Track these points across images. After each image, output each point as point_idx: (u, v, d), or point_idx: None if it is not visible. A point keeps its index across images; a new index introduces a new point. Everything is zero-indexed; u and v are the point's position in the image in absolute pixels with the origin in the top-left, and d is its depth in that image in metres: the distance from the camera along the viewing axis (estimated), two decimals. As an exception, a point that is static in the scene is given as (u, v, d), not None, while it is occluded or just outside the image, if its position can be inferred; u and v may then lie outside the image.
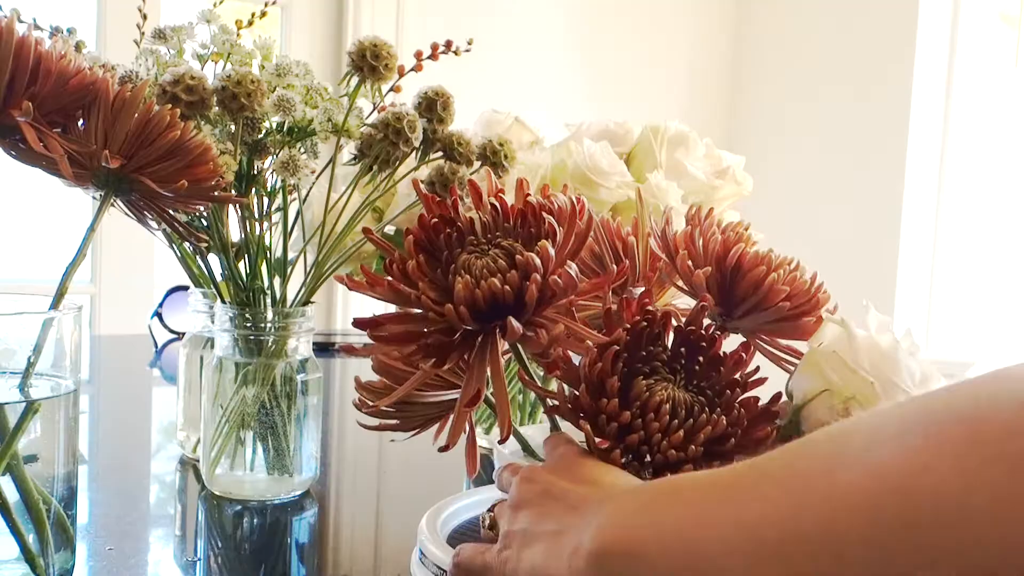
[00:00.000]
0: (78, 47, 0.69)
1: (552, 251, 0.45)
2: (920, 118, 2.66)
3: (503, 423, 0.45)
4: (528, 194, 0.48)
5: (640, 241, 0.57)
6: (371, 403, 0.52)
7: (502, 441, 0.46)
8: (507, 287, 0.44)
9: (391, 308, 0.50)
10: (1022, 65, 2.74)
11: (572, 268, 0.46)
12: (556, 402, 0.47)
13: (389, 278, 0.47)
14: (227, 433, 0.69)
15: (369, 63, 0.68)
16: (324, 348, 1.46)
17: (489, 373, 0.46)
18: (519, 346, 0.48)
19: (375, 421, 0.53)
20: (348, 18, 2.47)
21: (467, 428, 0.53)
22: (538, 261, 0.44)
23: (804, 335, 0.55)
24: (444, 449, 0.47)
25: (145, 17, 0.78)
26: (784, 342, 0.57)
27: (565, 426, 0.50)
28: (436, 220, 0.48)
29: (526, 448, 0.55)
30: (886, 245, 2.68)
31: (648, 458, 0.45)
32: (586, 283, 0.47)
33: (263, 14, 0.76)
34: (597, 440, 0.45)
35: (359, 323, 0.47)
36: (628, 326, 0.47)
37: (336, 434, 0.97)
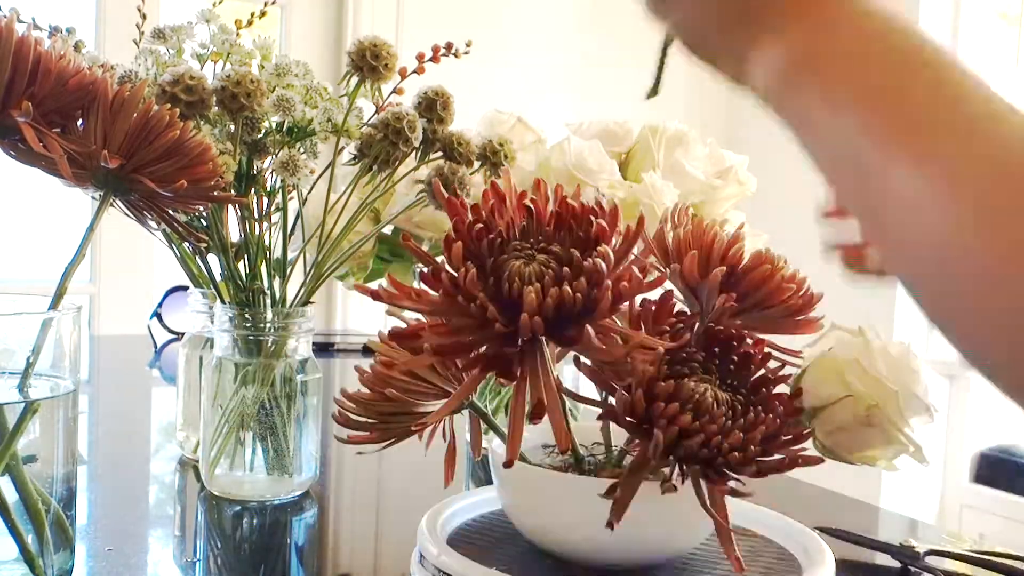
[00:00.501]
0: (77, 47, 0.69)
1: (612, 255, 0.44)
2: (920, 118, 2.66)
3: (560, 437, 0.44)
4: (565, 196, 0.47)
5: None
6: (352, 415, 0.52)
7: (561, 451, 0.45)
8: (578, 295, 0.43)
9: (389, 309, 0.50)
10: (1022, 64, 2.74)
11: (636, 272, 0.45)
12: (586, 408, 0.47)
13: (429, 289, 0.45)
14: (227, 433, 0.68)
15: (369, 63, 0.67)
16: (324, 348, 1.46)
17: (541, 384, 0.44)
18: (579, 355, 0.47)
19: (348, 433, 0.53)
20: (348, 18, 2.47)
21: (451, 436, 0.53)
22: (604, 267, 0.43)
23: (795, 332, 0.55)
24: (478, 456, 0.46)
25: (144, 17, 0.78)
26: (771, 339, 0.57)
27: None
28: (481, 226, 0.46)
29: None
30: (886, 245, 2.68)
31: (707, 461, 0.44)
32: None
33: (263, 14, 0.76)
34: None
35: (397, 336, 0.45)
36: (667, 329, 0.47)
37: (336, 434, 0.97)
